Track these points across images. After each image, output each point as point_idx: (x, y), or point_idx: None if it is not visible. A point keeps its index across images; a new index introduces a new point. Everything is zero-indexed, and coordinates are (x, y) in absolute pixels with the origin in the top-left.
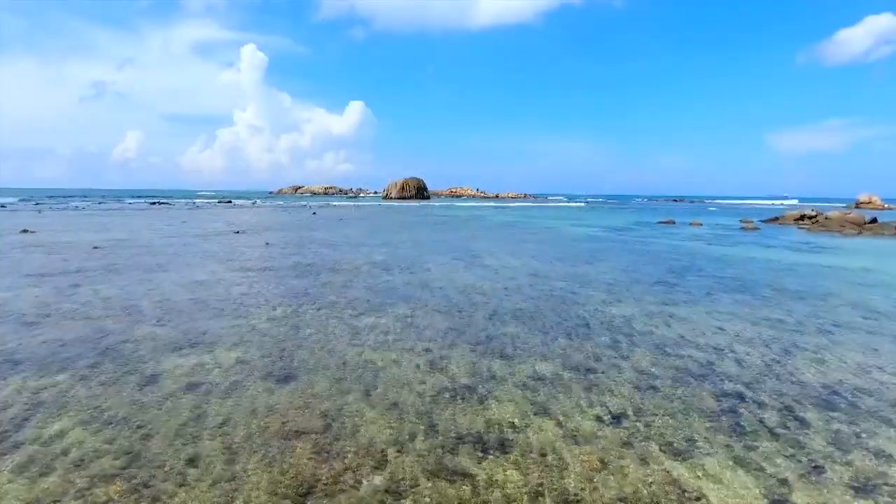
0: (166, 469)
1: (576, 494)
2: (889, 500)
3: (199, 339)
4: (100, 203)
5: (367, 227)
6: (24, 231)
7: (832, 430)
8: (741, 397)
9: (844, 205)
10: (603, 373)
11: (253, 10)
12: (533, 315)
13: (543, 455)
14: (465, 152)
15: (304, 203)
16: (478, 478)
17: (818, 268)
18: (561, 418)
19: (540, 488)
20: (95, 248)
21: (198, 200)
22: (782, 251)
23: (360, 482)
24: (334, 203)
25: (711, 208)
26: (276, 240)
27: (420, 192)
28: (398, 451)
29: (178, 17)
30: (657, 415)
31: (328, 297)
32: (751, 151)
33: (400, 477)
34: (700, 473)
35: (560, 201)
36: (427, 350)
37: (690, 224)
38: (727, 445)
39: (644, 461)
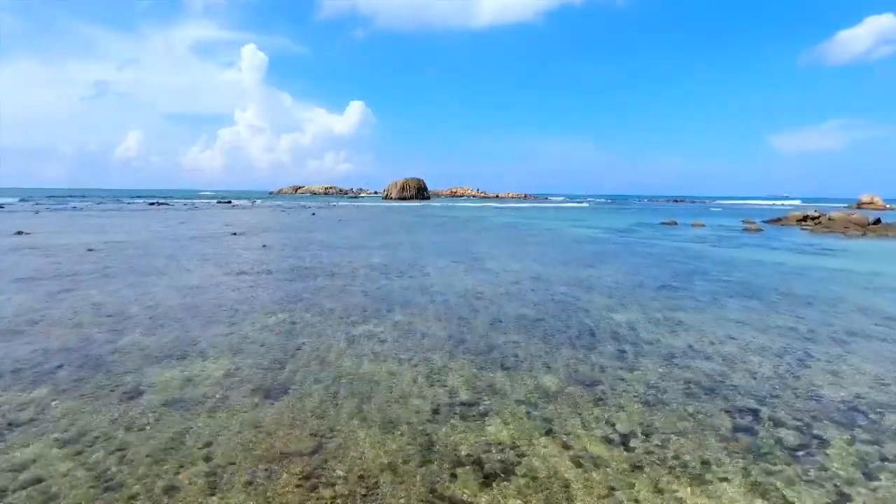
0: (140, 500)
1: None
2: None
3: (187, 350)
4: (99, 204)
5: (366, 228)
6: (19, 233)
7: (855, 452)
8: (756, 414)
9: (846, 205)
10: (609, 386)
11: (253, 10)
12: (535, 322)
13: (549, 482)
14: (466, 152)
15: (304, 203)
16: None
17: (825, 271)
18: (566, 439)
19: None
20: (90, 250)
21: (197, 201)
22: (787, 254)
23: None
24: (334, 203)
25: (713, 209)
26: (274, 242)
27: (420, 192)
28: (392, 477)
29: (179, 18)
30: (669, 434)
31: (324, 303)
32: (751, 151)
33: None
34: None
35: (560, 201)
36: (425, 361)
37: (692, 225)
38: (744, 469)
39: (657, 489)
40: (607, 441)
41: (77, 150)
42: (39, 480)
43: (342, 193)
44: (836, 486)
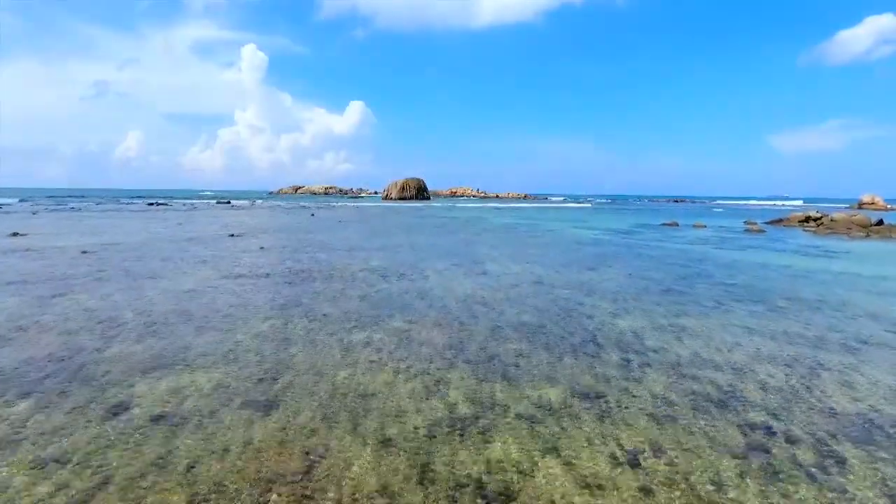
0: None
1: None
2: None
3: (177, 359)
4: (98, 204)
5: (365, 229)
6: (15, 234)
7: (877, 474)
8: (769, 430)
9: (847, 205)
10: (615, 399)
11: (253, 10)
12: (536, 329)
13: None
14: (466, 152)
15: (304, 204)
16: None
17: (831, 274)
18: (571, 459)
19: None
20: (84, 252)
21: (196, 201)
22: (792, 256)
23: None
24: (334, 203)
25: (713, 209)
26: (272, 243)
27: (420, 192)
28: (388, 502)
29: (179, 17)
30: (678, 453)
31: (321, 309)
32: (751, 151)
33: None
34: None
35: (561, 202)
36: (424, 372)
37: (694, 226)
38: (761, 492)
39: None
40: (614, 461)
41: (77, 150)
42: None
43: (342, 193)
44: None
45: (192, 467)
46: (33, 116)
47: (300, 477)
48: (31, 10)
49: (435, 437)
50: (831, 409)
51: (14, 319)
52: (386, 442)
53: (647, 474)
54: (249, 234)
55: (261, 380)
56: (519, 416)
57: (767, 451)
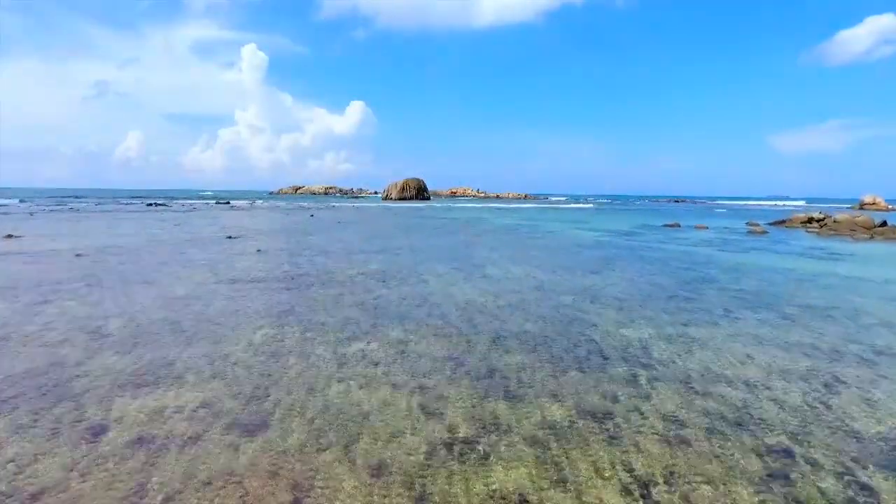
0: None
1: None
2: None
3: (162, 374)
4: (97, 205)
5: (365, 231)
6: (9, 236)
7: None
8: (789, 454)
9: (849, 206)
10: (623, 419)
11: (254, 10)
12: (539, 340)
13: None
14: (466, 152)
15: (303, 204)
16: None
17: (839, 278)
18: (580, 487)
19: None
20: (78, 255)
21: (195, 202)
22: (797, 259)
23: None
24: (334, 204)
25: (714, 210)
26: (270, 246)
27: (420, 192)
28: None
29: (180, 17)
30: (693, 481)
31: (316, 317)
32: (751, 152)
33: None
34: None
35: (563, 202)
36: (421, 388)
37: (696, 227)
38: None
39: None
40: (626, 491)
41: (78, 150)
42: None
43: (342, 194)
44: None
45: (170, 500)
46: (34, 116)
47: None
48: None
49: (432, 462)
50: (854, 431)
51: None
52: (379, 468)
53: None
54: (247, 236)
55: (249, 398)
56: (522, 439)
57: (789, 480)
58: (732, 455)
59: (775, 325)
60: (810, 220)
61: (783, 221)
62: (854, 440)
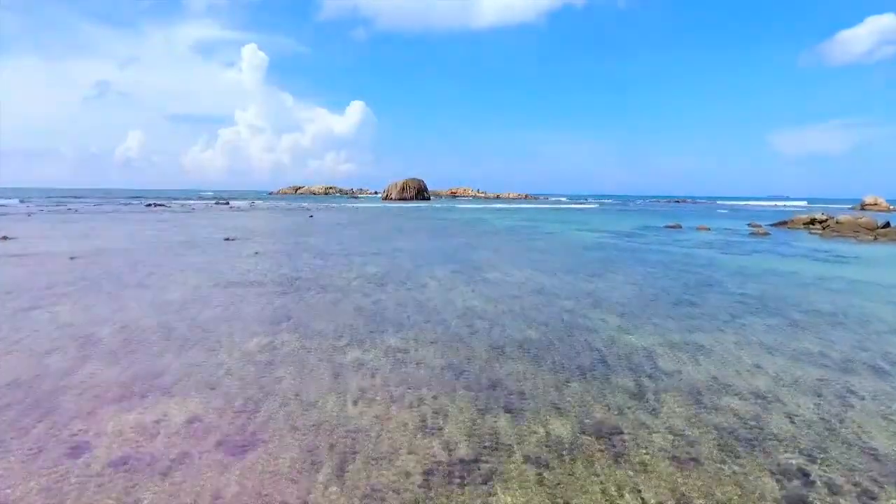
0: None
1: None
2: None
3: (151, 386)
4: (96, 205)
5: (364, 232)
6: (4, 238)
7: None
8: (805, 475)
9: (850, 206)
10: (630, 436)
11: (254, 10)
12: (541, 348)
13: None
14: (466, 152)
15: (303, 205)
16: None
17: (845, 282)
18: None
19: None
20: (73, 258)
21: (195, 202)
22: (802, 261)
23: None
24: (333, 204)
25: (716, 210)
26: (267, 248)
27: (420, 193)
28: None
29: (180, 17)
30: None
31: (313, 324)
32: (752, 152)
33: None
34: None
35: (563, 202)
36: (419, 401)
37: (698, 229)
38: None
39: None
40: None
41: (78, 149)
42: None
43: (342, 194)
44: None
45: None
46: (34, 116)
47: None
48: (31, 8)
49: (430, 485)
50: (872, 449)
51: None
52: (372, 493)
53: None
54: (245, 237)
55: (241, 411)
56: (525, 458)
57: None
58: (746, 476)
59: (783, 332)
60: (813, 222)
61: (785, 222)
62: (871, 458)
